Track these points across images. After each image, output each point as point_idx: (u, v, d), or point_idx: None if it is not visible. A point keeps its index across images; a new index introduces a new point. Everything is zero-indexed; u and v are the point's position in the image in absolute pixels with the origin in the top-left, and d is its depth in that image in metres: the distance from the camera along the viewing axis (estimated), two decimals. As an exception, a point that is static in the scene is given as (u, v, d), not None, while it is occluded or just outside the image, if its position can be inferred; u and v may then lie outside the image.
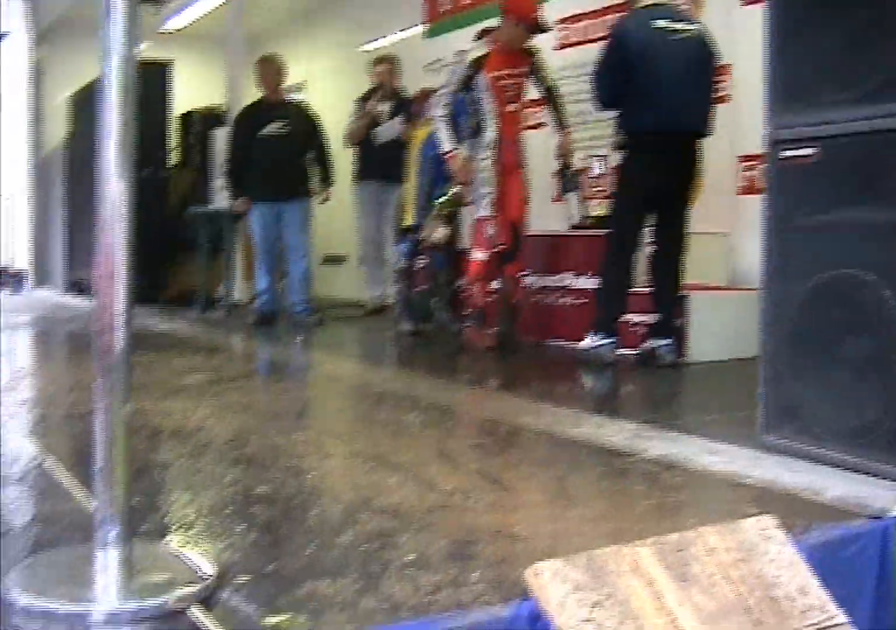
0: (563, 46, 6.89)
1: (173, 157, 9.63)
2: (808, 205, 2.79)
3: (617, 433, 3.10)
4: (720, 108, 5.15)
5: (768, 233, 2.89)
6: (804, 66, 2.81)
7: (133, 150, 1.74)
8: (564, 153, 5.57)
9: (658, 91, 4.61)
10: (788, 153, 2.84)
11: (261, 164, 7.04)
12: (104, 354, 1.73)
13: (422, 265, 6.62)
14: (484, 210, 5.44)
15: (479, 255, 5.51)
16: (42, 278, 12.27)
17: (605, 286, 4.87)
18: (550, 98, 5.61)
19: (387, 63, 7.56)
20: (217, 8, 9.76)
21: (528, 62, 5.53)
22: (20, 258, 13.00)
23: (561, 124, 5.61)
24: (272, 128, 7.09)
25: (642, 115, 4.68)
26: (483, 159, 5.41)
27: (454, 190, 5.58)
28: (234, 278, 8.22)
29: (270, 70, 7.27)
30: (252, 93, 7.65)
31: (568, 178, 5.53)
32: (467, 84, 5.41)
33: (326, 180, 7.30)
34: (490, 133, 5.42)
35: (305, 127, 7.25)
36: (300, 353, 5.84)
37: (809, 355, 2.78)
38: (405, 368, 5.27)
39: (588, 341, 4.80)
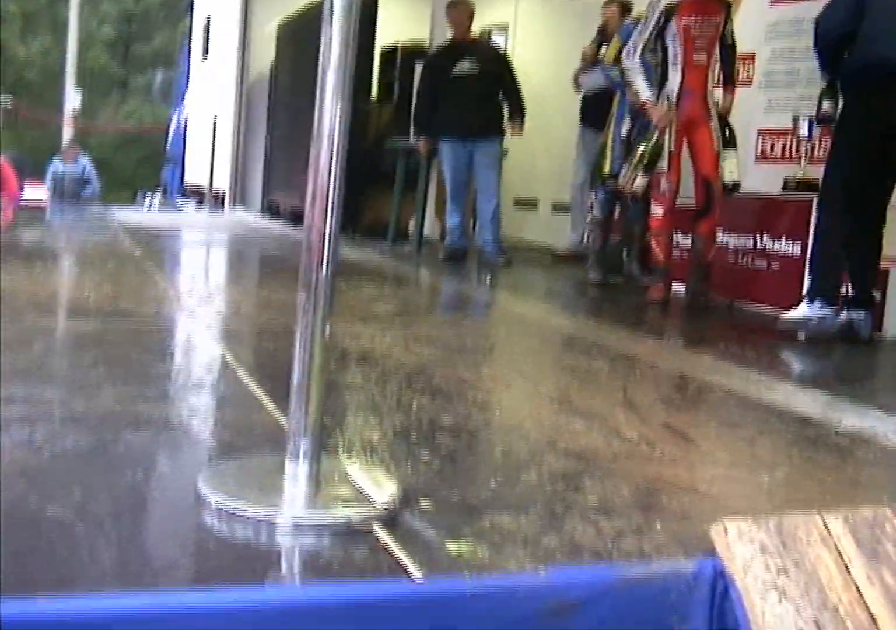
0: (776, 2, 6.62)
1: (376, 91, 9.73)
2: None
3: (810, 402, 3.00)
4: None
5: None
6: None
7: (351, 78, 1.74)
8: (726, 112, 5.39)
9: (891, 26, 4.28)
10: None
11: (452, 103, 7.09)
12: (310, 273, 1.75)
13: (618, 216, 6.53)
14: (660, 164, 5.32)
15: (657, 210, 5.41)
16: (240, 199, 12.64)
17: (823, 250, 4.62)
18: (726, 54, 5.43)
19: (615, 4, 7.40)
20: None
21: (723, 12, 5.34)
22: (221, 179, 13.40)
23: (730, 82, 5.45)
24: (462, 68, 7.13)
25: (876, 49, 4.33)
26: (664, 110, 5.29)
27: (654, 138, 5.45)
28: (426, 214, 8.28)
29: (460, 13, 7.31)
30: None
31: (726, 138, 5.34)
32: (660, 31, 5.27)
33: (517, 119, 7.23)
34: (673, 83, 5.28)
35: (496, 66, 7.25)
36: (488, 291, 5.85)
37: None
38: (593, 317, 5.21)
39: (804, 310, 4.54)
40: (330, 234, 1.75)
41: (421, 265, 7.02)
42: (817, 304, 4.37)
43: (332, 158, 1.74)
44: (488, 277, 6.44)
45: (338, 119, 1.73)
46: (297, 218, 8.94)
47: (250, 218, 10.79)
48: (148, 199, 18.50)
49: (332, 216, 1.75)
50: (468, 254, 7.19)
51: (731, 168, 5.32)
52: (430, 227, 8.55)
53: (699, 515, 1.82)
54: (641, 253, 6.29)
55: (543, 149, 8.29)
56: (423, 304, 4.95)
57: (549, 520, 1.74)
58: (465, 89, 7.05)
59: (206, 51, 15.83)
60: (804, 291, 4.53)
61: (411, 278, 6.12)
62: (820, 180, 4.76)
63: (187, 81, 18.14)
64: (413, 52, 9.20)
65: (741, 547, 1.63)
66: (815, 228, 4.68)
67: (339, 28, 1.72)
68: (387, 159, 8.51)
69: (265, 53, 11.72)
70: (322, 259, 1.75)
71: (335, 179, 1.75)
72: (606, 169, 6.32)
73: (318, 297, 1.76)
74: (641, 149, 5.44)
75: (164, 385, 2.62)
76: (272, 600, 1.38)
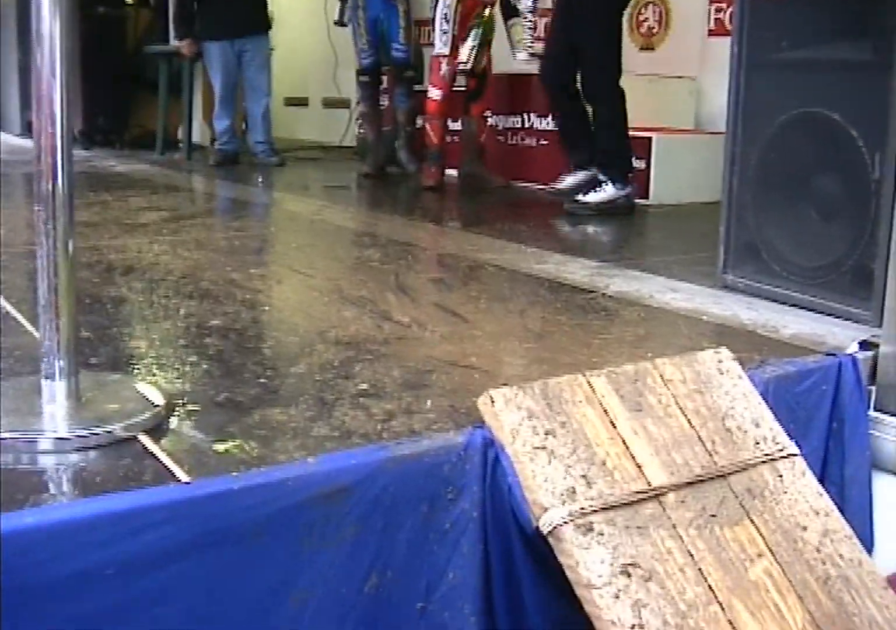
0: None
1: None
2: (777, 42, 2.71)
3: (578, 271, 3.08)
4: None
5: (735, 71, 2.82)
6: None
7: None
8: None
9: None
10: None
11: (214, 1, 6.79)
12: (44, 184, 1.66)
13: (384, 106, 6.48)
14: (441, 48, 5.29)
15: (434, 93, 5.39)
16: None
17: (558, 126, 4.76)
18: None
19: None
20: None
21: None
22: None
23: None
24: None
25: None
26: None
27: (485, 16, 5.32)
28: (193, 120, 8.01)
29: None
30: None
31: (511, 7, 5.30)
32: None
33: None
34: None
35: None
36: (261, 193, 5.74)
37: (773, 194, 2.75)
38: (365, 208, 5.19)
39: (568, 181, 4.69)
40: (61, 142, 1.66)
41: (192, 172, 6.80)
42: (579, 174, 4.54)
43: (52, 61, 1.64)
44: (261, 179, 6.31)
45: (56, 18, 1.63)
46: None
47: (11, 139, 10.23)
48: None
49: (60, 123, 1.65)
50: (240, 156, 7.02)
51: (518, 36, 5.29)
52: (200, 133, 8.29)
53: (470, 389, 1.85)
54: (409, 140, 6.27)
55: (308, 44, 8.13)
56: (193, 210, 4.80)
57: (320, 409, 1.74)
58: None
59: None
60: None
61: (182, 186, 5.92)
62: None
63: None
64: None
65: (508, 414, 1.66)
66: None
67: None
68: (149, 66, 8.15)
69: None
70: (55, 168, 1.66)
71: (59, 84, 1.65)
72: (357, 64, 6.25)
73: (55, 209, 1.67)
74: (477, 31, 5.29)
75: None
76: (33, 523, 1.32)
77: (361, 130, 6.55)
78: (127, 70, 8.47)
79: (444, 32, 5.27)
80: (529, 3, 5.14)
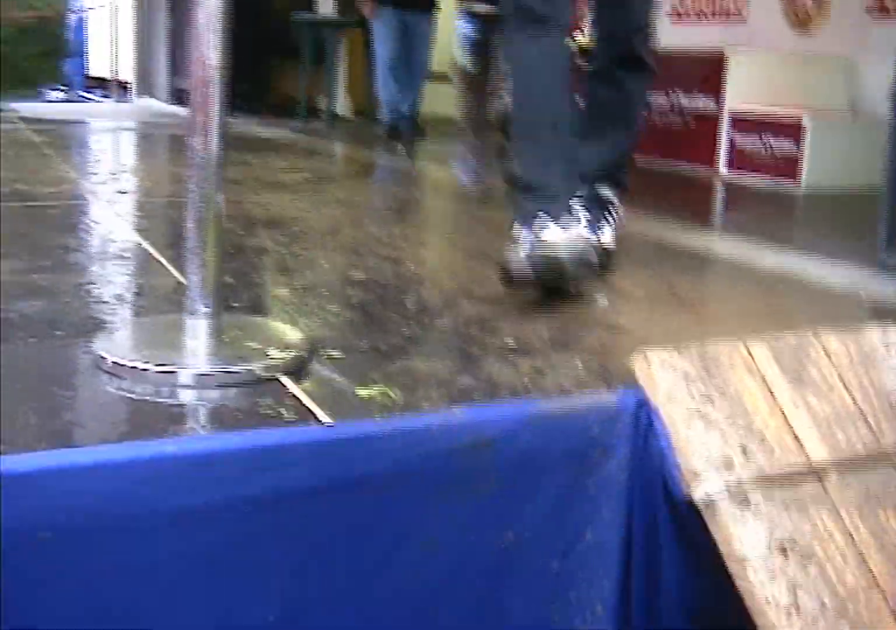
0: None
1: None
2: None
3: (732, 248, 2.95)
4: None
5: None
6: None
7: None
8: None
9: None
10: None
11: None
12: (197, 151, 1.63)
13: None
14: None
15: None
16: (146, 88, 12.21)
17: None
18: None
19: None
20: None
21: None
22: (124, 68, 12.93)
23: None
24: None
25: None
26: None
27: None
28: (337, 90, 8.02)
29: None
30: None
31: None
32: None
33: None
34: None
35: None
36: (404, 160, 5.70)
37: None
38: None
39: None
40: (216, 113, 1.63)
41: (334, 139, 6.81)
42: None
43: (211, 21, 1.61)
44: (402, 148, 6.25)
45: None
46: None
47: (158, 105, 10.45)
48: (51, 93, 17.86)
49: (216, 96, 1.63)
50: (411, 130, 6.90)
51: None
52: (344, 105, 8.32)
53: (621, 350, 1.76)
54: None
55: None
56: (334, 172, 4.81)
57: (465, 362, 1.67)
58: None
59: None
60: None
61: (324, 150, 5.93)
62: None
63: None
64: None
65: (664, 376, 1.57)
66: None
67: None
68: (293, 34, 8.18)
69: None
70: (208, 137, 1.63)
71: (217, 45, 1.62)
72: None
73: (207, 163, 1.64)
74: None
75: (61, 256, 2.48)
76: (178, 451, 1.29)
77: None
78: (271, 37, 8.53)
79: None
80: None
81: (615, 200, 2.57)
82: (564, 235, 2.07)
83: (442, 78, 8.95)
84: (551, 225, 2.09)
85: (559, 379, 1.61)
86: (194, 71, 1.64)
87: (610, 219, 2.55)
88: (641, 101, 2.72)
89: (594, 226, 2.41)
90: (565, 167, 2.27)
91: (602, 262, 2.36)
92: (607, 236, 2.52)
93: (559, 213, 2.13)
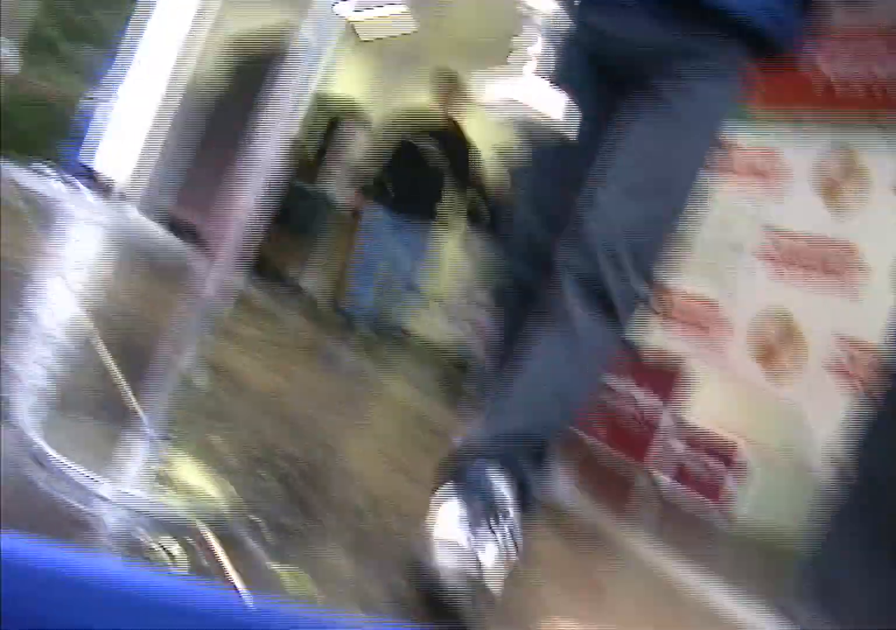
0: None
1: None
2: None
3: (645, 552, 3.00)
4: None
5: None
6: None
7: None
8: None
9: None
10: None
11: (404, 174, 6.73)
12: (205, 293, 1.69)
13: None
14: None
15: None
16: (139, 199, 12.02)
17: None
18: None
19: None
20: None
21: None
22: (119, 168, 12.99)
23: None
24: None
25: None
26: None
27: None
28: (311, 264, 8.06)
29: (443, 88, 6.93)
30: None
31: None
32: None
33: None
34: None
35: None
36: (357, 355, 5.74)
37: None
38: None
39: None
40: (229, 278, 1.69)
41: (294, 309, 6.85)
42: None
43: (257, 198, 1.69)
44: (357, 343, 6.24)
45: (272, 160, 1.69)
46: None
47: (155, 227, 10.21)
48: (42, 167, 17.91)
49: (235, 261, 1.70)
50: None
51: None
52: (310, 280, 8.38)
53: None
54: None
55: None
56: (285, 341, 4.85)
57: (378, 569, 1.67)
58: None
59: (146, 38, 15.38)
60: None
61: (280, 316, 5.99)
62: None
63: (113, 64, 17.75)
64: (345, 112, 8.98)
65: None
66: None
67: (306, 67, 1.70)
68: (287, 200, 8.32)
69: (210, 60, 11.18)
70: (215, 299, 1.69)
71: (252, 221, 1.69)
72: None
73: (202, 333, 1.70)
74: None
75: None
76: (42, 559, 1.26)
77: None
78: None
79: None
80: None
81: (510, 500, 1.73)
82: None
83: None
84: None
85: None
86: (232, 212, 1.69)
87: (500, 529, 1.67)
88: (601, 359, 1.90)
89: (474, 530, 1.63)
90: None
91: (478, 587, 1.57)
92: (489, 555, 1.61)
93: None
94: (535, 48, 1.69)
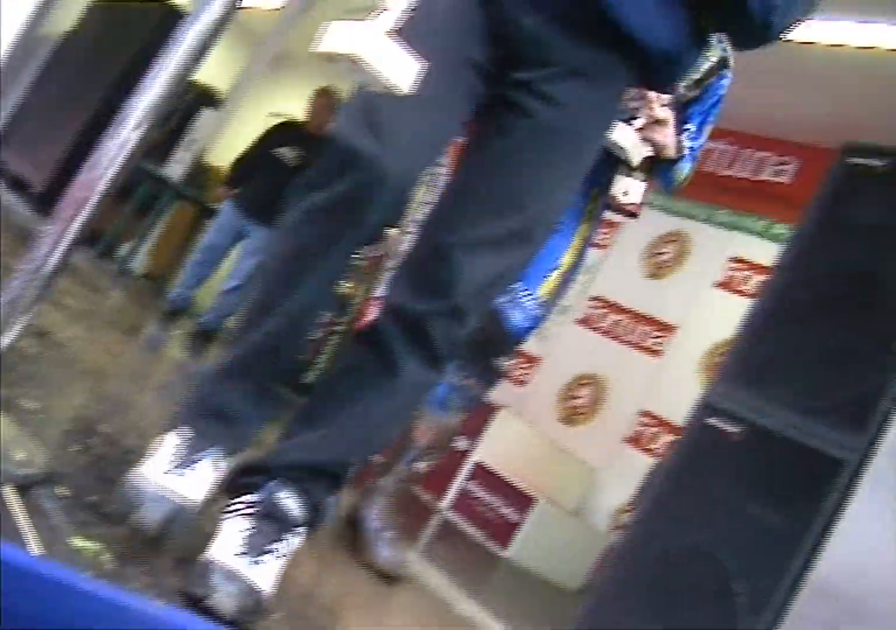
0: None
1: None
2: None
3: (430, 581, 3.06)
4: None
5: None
6: (769, 353, 2.89)
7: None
8: None
9: None
10: (713, 421, 2.87)
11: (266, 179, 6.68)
12: (35, 261, 1.63)
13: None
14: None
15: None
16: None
17: None
18: None
19: None
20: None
21: None
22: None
23: None
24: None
25: None
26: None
27: None
28: (142, 247, 7.91)
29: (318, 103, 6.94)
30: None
31: None
32: None
33: None
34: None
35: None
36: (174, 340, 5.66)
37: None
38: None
39: None
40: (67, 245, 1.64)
41: (121, 286, 6.71)
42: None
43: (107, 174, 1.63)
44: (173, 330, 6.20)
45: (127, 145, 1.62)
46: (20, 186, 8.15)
47: None
48: None
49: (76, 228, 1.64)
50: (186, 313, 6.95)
51: None
52: (139, 261, 8.23)
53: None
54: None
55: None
56: (110, 316, 4.76)
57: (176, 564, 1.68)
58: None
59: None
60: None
61: (107, 291, 5.87)
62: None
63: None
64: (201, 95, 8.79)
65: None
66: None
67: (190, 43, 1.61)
68: (132, 178, 8.15)
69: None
70: (63, 236, 1.63)
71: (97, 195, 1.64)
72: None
73: (44, 270, 1.63)
74: None
75: None
76: None
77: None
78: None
79: None
80: None
81: (298, 520, 1.73)
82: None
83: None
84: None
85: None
86: (86, 174, 1.62)
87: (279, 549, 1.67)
88: (416, 402, 1.96)
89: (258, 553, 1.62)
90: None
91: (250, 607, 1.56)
92: (265, 575, 1.61)
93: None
94: (398, 1, 1.47)
